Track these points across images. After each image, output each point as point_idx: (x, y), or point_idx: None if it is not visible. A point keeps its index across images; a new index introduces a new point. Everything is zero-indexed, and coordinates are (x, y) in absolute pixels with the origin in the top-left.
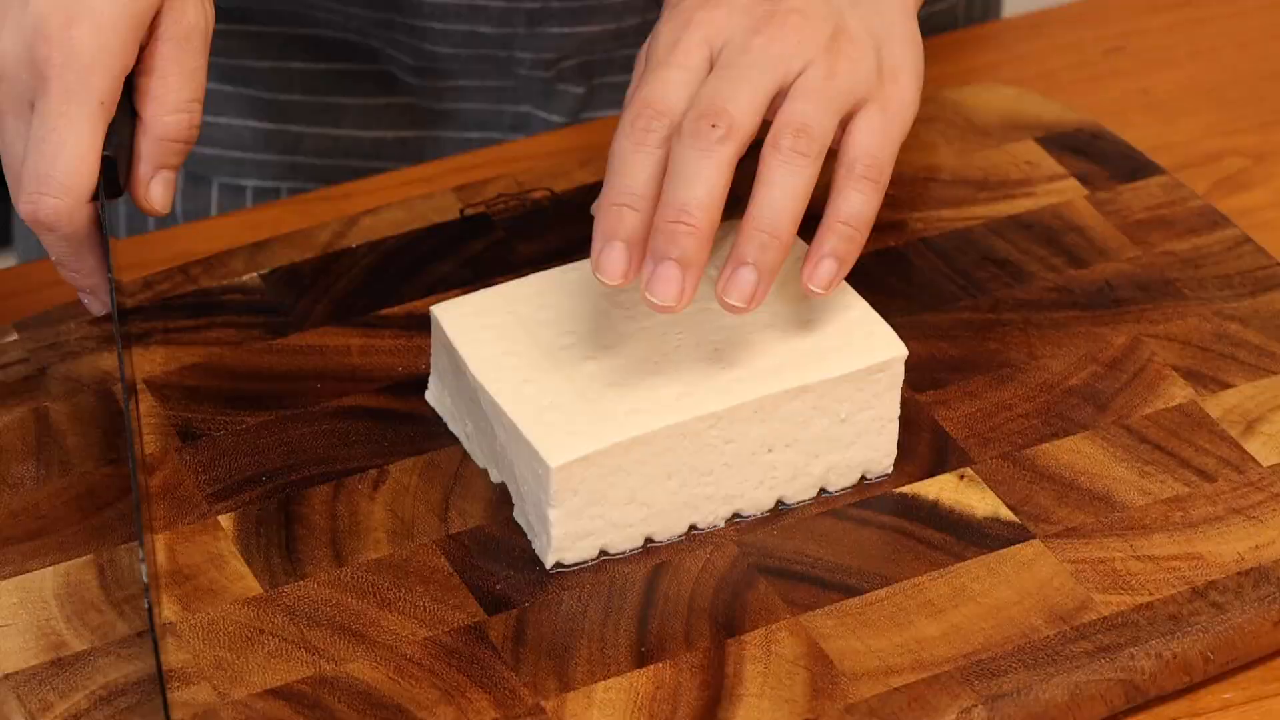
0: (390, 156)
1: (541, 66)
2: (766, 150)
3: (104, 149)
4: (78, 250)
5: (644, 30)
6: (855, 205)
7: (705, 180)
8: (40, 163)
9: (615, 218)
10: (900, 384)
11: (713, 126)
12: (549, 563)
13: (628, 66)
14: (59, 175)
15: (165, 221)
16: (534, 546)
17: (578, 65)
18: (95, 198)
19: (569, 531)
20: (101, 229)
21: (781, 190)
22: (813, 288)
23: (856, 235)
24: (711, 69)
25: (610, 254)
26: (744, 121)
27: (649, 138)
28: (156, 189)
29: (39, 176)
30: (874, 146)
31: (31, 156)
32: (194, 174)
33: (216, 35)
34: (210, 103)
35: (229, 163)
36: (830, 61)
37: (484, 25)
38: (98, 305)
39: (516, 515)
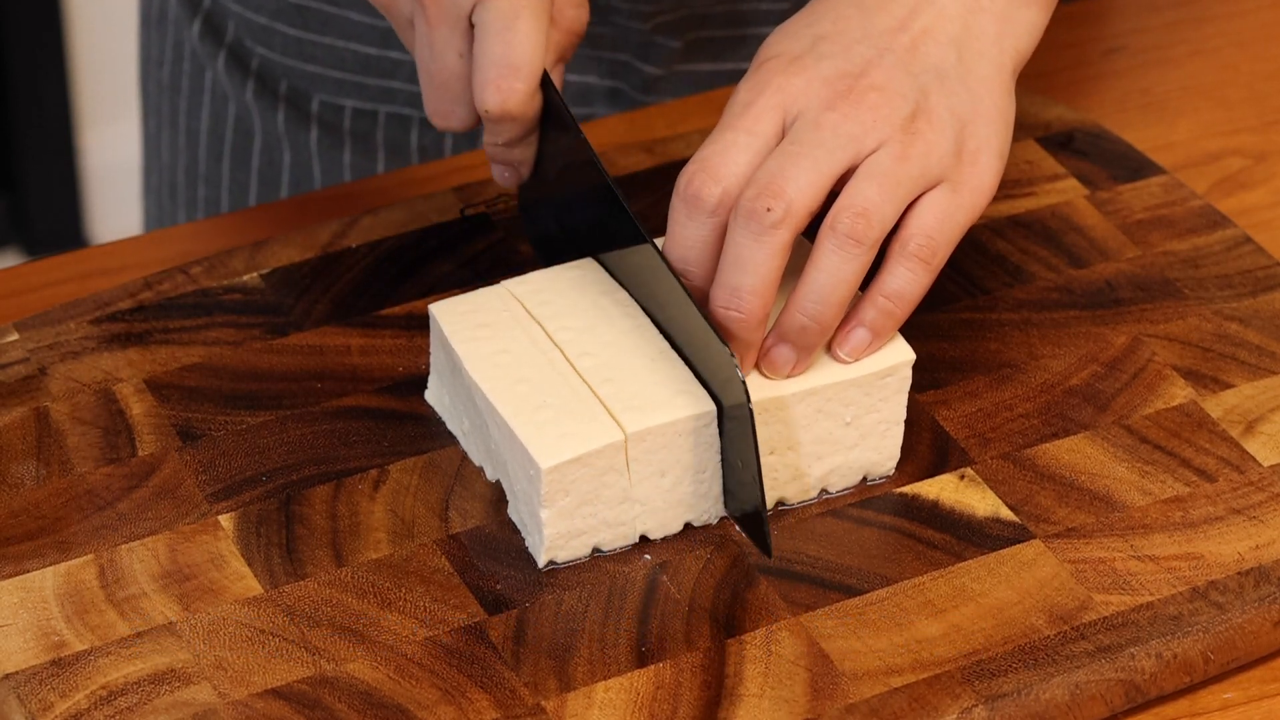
0: None
1: (639, 18)
2: (823, 231)
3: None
4: (527, 133)
5: None
6: (900, 282)
7: (756, 268)
8: (508, 52)
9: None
10: (907, 388)
11: (768, 210)
12: (541, 561)
13: (727, 22)
14: (526, 63)
15: (188, 211)
16: (527, 544)
17: (676, 20)
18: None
19: (561, 531)
20: (551, 103)
21: (829, 276)
22: (841, 354)
23: (896, 311)
24: (784, 136)
25: None
26: (802, 204)
27: (700, 204)
28: (557, 74)
29: (507, 67)
30: (932, 227)
31: (496, 49)
32: (296, 89)
33: None
34: (312, 21)
35: (330, 82)
36: (905, 143)
37: None
38: (514, 179)
39: (510, 512)
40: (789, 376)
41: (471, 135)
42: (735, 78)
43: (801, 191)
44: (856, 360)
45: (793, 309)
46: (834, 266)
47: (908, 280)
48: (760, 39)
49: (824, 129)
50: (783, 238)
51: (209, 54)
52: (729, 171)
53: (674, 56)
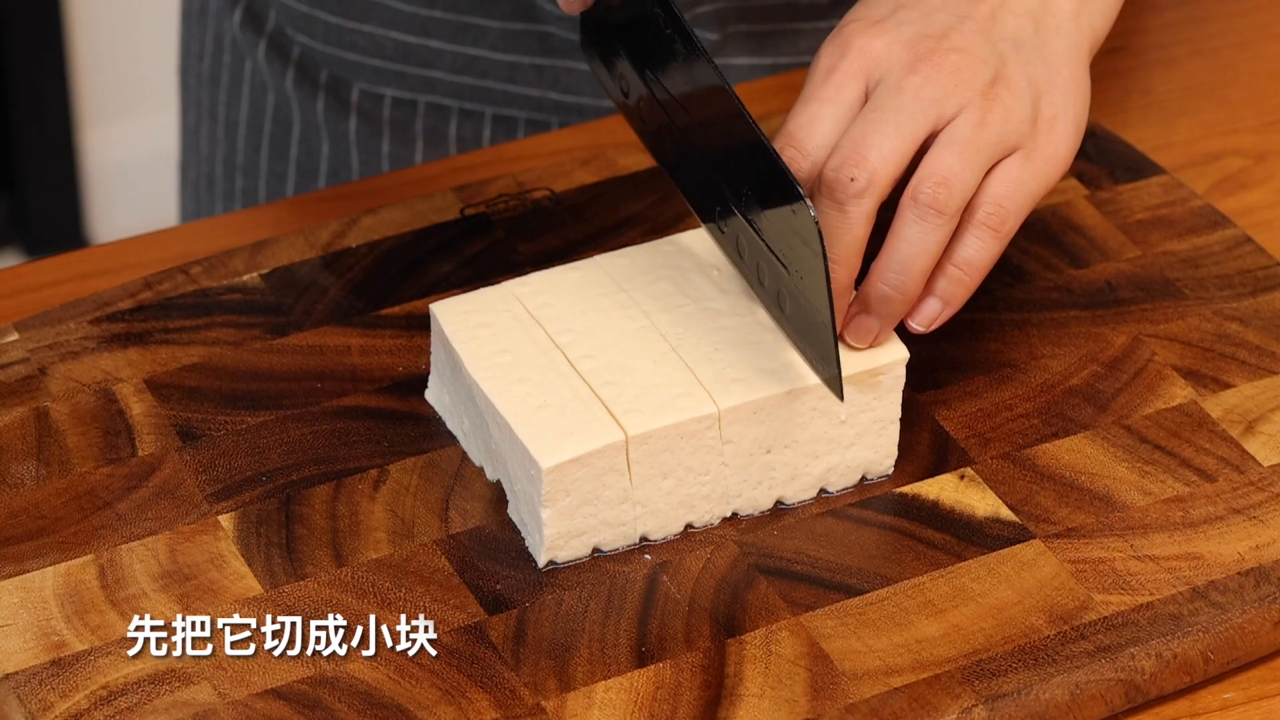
0: (525, 82)
1: None
2: (905, 201)
3: None
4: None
5: None
6: (969, 250)
7: (841, 237)
8: None
9: None
10: (901, 386)
11: (851, 180)
12: (541, 561)
13: (763, 16)
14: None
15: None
16: (527, 544)
17: (712, 12)
18: None
19: (561, 531)
20: None
21: (911, 246)
22: (913, 324)
23: (966, 280)
24: (866, 100)
25: None
26: (885, 172)
27: None
28: None
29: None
30: (1003, 195)
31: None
32: (335, 76)
33: None
34: (353, 8)
35: (369, 70)
36: (984, 108)
37: None
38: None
39: (511, 512)
40: (872, 346)
41: (486, 136)
42: (774, 71)
43: (884, 159)
44: (928, 330)
45: (875, 279)
46: (916, 236)
47: (977, 249)
48: (799, 33)
49: (906, 93)
50: (867, 206)
51: (249, 43)
52: (816, 144)
53: (711, 49)
